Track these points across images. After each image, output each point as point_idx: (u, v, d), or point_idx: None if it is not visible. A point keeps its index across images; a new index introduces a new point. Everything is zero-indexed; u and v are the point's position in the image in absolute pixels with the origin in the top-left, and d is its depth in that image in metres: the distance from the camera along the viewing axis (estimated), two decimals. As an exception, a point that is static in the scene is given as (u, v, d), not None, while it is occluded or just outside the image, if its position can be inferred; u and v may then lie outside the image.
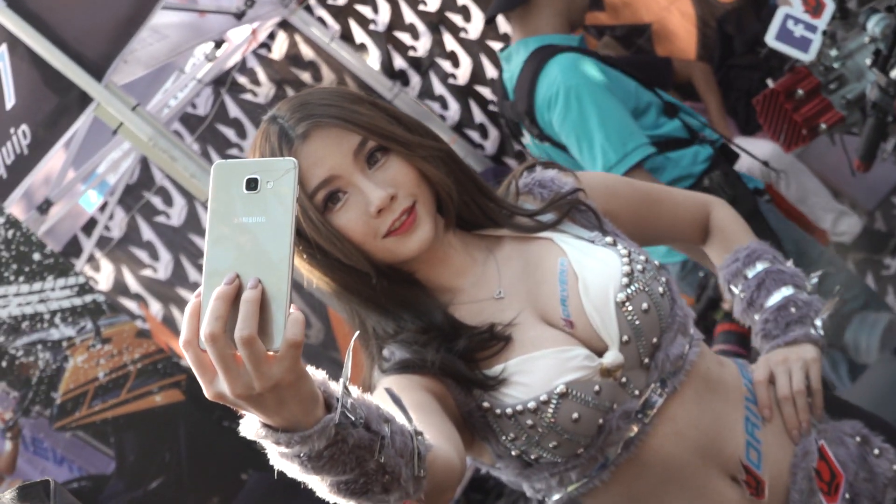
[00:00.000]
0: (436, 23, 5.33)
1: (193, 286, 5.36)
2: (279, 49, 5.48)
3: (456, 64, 5.36)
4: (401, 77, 5.43)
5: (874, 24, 2.66)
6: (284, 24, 5.45)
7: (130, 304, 5.44)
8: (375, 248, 1.57)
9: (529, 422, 1.54)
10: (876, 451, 1.74)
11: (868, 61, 2.62)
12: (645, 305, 1.60)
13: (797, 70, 2.84)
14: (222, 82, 5.47)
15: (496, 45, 5.23)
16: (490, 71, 5.30)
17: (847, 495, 1.69)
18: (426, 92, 5.43)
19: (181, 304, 5.39)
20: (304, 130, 1.53)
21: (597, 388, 1.55)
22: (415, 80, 5.44)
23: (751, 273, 1.84)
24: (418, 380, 1.52)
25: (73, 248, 5.46)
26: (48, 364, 3.74)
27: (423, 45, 5.38)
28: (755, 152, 3.70)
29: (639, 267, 1.63)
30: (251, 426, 1.12)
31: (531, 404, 1.53)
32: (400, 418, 1.23)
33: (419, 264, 1.65)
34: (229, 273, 1.06)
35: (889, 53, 2.50)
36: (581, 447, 1.57)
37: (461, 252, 1.68)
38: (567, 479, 1.62)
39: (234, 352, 1.05)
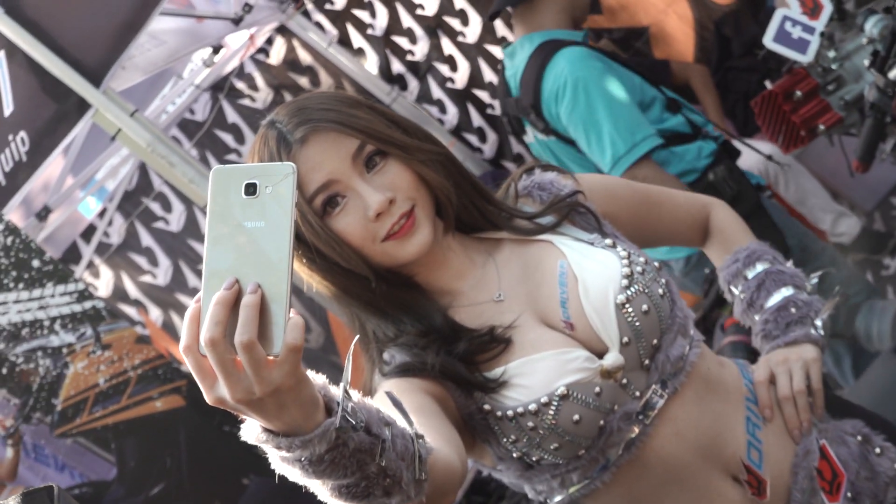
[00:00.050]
0: (433, 27, 5.33)
1: (193, 291, 5.36)
2: (277, 54, 5.48)
3: (454, 68, 5.36)
4: (399, 81, 5.43)
5: (872, 26, 2.66)
6: (282, 30, 5.45)
7: (130, 310, 5.44)
8: (374, 251, 1.57)
9: (530, 424, 1.54)
10: (877, 450, 1.74)
11: (866, 62, 2.62)
12: (645, 307, 1.60)
13: (795, 72, 2.84)
14: (220, 88, 5.48)
15: (494, 49, 5.23)
16: (488, 75, 5.30)
17: (849, 494, 1.69)
18: (424, 96, 5.43)
19: (181, 309, 5.39)
20: (302, 135, 1.53)
21: (597, 389, 1.55)
22: (413, 84, 5.44)
23: (751, 274, 1.84)
24: (419, 383, 1.52)
25: (72, 254, 5.46)
26: (48, 371, 3.73)
27: (420, 50, 5.38)
28: (753, 155, 3.71)
29: (638, 269, 1.63)
30: (252, 431, 1.12)
31: (532, 406, 1.53)
32: (401, 421, 1.23)
33: (418, 267, 1.65)
34: (229, 278, 1.06)
35: (887, 54, 2.51)
36: (582, 449, 1.57)
37: (460, 255, 1.68)
38: (568, 481, 1.62)
39: (234, 357, 1.05)
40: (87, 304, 3.81)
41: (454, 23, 5.30)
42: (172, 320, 5.43)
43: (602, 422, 1.56)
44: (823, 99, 2.82)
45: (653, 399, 1.61)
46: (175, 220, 5.45)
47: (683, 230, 1.94)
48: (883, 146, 2.75)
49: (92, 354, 3.78)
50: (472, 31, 5.28)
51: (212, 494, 3.93)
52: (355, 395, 1.16)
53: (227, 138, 5.47)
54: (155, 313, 5.47)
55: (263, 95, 5.46)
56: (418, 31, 5.36)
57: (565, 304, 1.61)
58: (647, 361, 1.61)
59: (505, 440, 1.58)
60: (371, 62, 5.45)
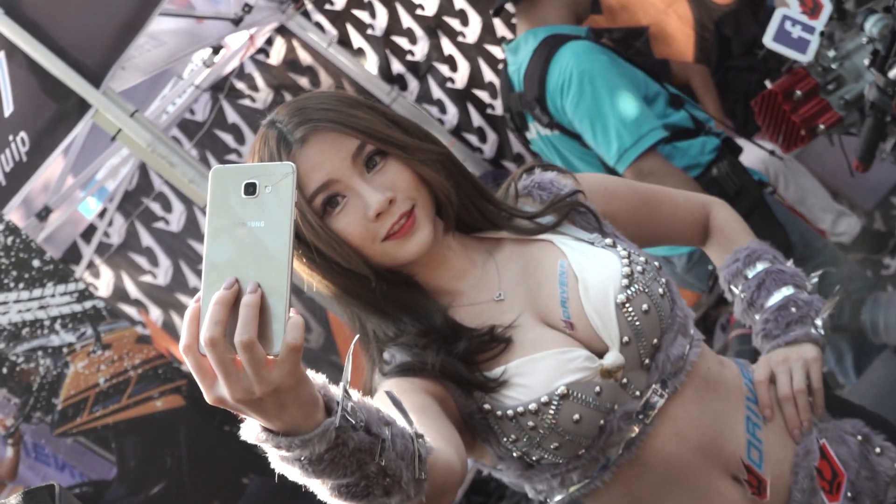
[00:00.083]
0: (433, 27, 5.33)
1: (193, 291, 5.36)
2: (277, 54, 5.48)
3: (454, 68, 5.36)
4: (399, 81, 5.43)
5: (872, 25, 2.66)
6: (282, 30, 5.45)
7: (130, 310, 5.44)
8: (374, 251, 1.57)
9: (530, 423, 1.54)
10: (877, 450, 1.74)
11: (866, 62, 2.62)
12: (645, 306, 1.60)
13: (795, 71, 2.84)
14: (220, 88, 5.47)
15: (494, 49, 5.23)
16: (488, 75, 5.30)
17: (849, 494, 1.69)
18: (424, 96, 5.43)
19: (181, 309, 5.39)
20: (302, 135, 1.54)
21: (597, 389, 1.55)
22: (413, 84, 5.44)
23: (751, 273, 1.84)
24: (419, 382, 1.52)
25: (72, 254, 5.46)
26: (49, 370, 3.74)
27: (420, 50, 5.39)
28: (754, 153, 3.71)
29: (638, 268, 1.63)
30: (252, 430, 1.12)
31: (532, 406, 1.53)
32: (401, 421, 1.23)
33: (419, 267, 1.65)
34: (228, 277, 1.06)
35: (887, 54, 2.50)
36: (582, 448, 1.57)
37: (461, 255, 1.68)
38: (569, 480, 1.62)
39: (233, 356, 1.05)
40: (88, 304, 3.81)
41: (454, 23, 5.30)
42: (173, 320, 5.43)
43: (602, 421, 1.56)
44: (823, 98, 2.82)
45: (653, 398, 1.61)
46: (175, 221, 5.45)
47: (683, 230, 1.94)
48: (883, 145, 2.75)
49: (92, 354, 3.78)
50: (472, 31, 5.28)
51: (212, 494, 3.93)
52: (355, 394, 1.16)
53: (228, 138, 5.47)
54: (155, 313, 5.47)
55: (263, 96, 5.46)
56: (418, 31, 5.36)
57: (565, 304, 1.61)
58: (647, 361, 1.61)
59: (505, 440, 1.58)
60: (371, 62, 5.45)
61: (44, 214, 4.72)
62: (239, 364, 1.05)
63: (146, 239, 5.47)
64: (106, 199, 5.58)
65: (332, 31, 5.44)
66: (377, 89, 5.33)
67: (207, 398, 1.08)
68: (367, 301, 1.63)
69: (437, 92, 5.41)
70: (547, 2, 3.34)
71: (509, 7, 3.47)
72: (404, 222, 1.56)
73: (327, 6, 5.42)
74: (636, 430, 1.60)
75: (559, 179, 1.76)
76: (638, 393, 1.61)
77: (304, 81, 5.44)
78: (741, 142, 3.53)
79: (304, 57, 5.45)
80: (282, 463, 1.13)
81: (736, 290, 1.86)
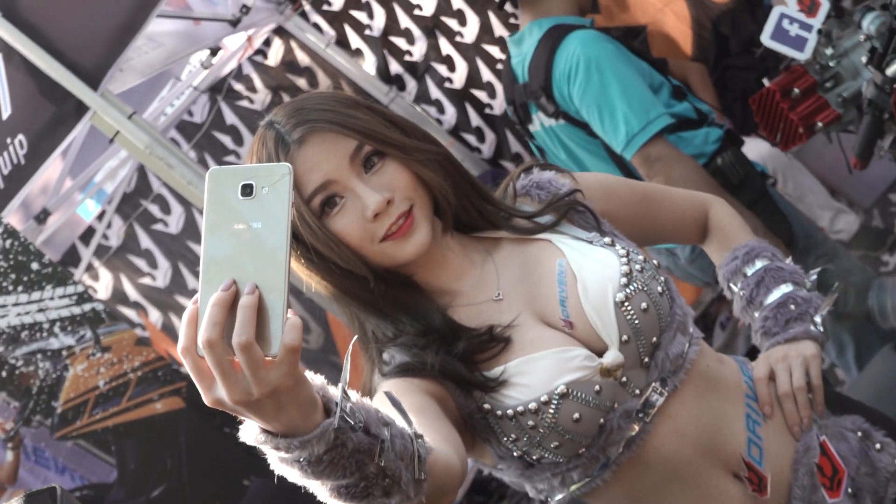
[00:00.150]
0: (431, 27, 5.33)
1: (192, 293, 5.34)
2: (275, 55, 5.48)
3: (452, 68, 5.36)
4: (397, 82, 5.43)
5: (869, 22, 2.66)
6: (280, 31, 5.45)
7: (129, 313, 5.44)
8: (373, 252, 1.57)
9: (530, 423, 1.54)
10: (877, 446, 1.74)
11: (864, 59, 2.62)
12: (644, 305, 1.60)
13: (793, 69, 2.84)
14: (218, 89, 5.48)
15: (492, 49, 5.23)
16: (486, 74, 5.30)
17: (849, 490, 1.69)
18: (422, 96, 5.43)
19: (180, 311, 5.39)
20: (300, 135, 1.53)
21: (597, 387, 1.55)
22: (411, 84, 5.44)
23: (750, 271, 1.84)
24: (418, 383, 1.52)
25: (71, 257, 5.46)
26: (48, 373, 3.74)
27: (418, 50, 5.39)
28: (754, 149, 3.71)
29: (637, 267, 1.63)
30: (250, 432, 1.12)
31: (532, 405, 1.53)
32: (400, 421, 1.23)
33: (417, 268, 1.65)
34: (226, 279, 1.06)
35: (884, 51, 2.50)
36: (582, 447, 1.57)
37: (459, 255, 1.68)
38: (569, 479, 1.62)
39: (232, 358, 1.05)
40: (87, 307, 3.81)
41: (452, 23, 5.30)
42: (172, 322, 5.43)
43: (602, 420, 1.56)
44: (821, 96, 2.82)
45: (652, 397, 1.61)
46: (174, 222, 5.45)
47: (682, 228, 1.94)
48: (881, 143, 2.75)
49: (92, 357, 3.78)
50: (470, 31, 5.28)
51: (212, 496, 3.93)
52: (354, 395, 1.16)
53: (226, 140, 5.47)
54: (154, 315, 5.47)
55: (261, 97, 5.46)
56: (416, 31, 5.36)
57: (564, 303, 1.61)
58: (646, 359, 1.61)
59: (505, 439, 1.58)
60: (369, 63, 5.45)
61: (42, 217, 4.72)
62: (237, 365, 1.05)
63: (145, 241, 5.47)
64: (104, 202, 5.58)
65: (330, 31, 5.44)
66: (375, 90, 5.34)
67: (206, 400, 1.08)
68: (366, 301, 1.63)
69: (435, 92, 5.41)
70: None
71: (508, 7, 3.47)
72: (402, 223, 1.56)
73: (325, 7, 5.42)
74: (636, 428, 1.60)
75: (557, 179, 1.76)
76: (637, 391, 1.60)
77: (302, 82, 5.44)
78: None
79: (302, 58, 5.45)
80: (281, 464, 1.13)
81: (735, 288, 1.86)
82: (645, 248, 2.16)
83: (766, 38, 2.76)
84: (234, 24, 4.97)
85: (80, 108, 3.61)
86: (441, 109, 5.42)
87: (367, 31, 5.41)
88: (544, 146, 3.54)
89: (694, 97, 3.41)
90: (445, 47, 5.33)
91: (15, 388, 3.72)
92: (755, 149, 3.99)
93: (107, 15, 3.70)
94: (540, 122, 3.43)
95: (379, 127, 1.57)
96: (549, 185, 1.75)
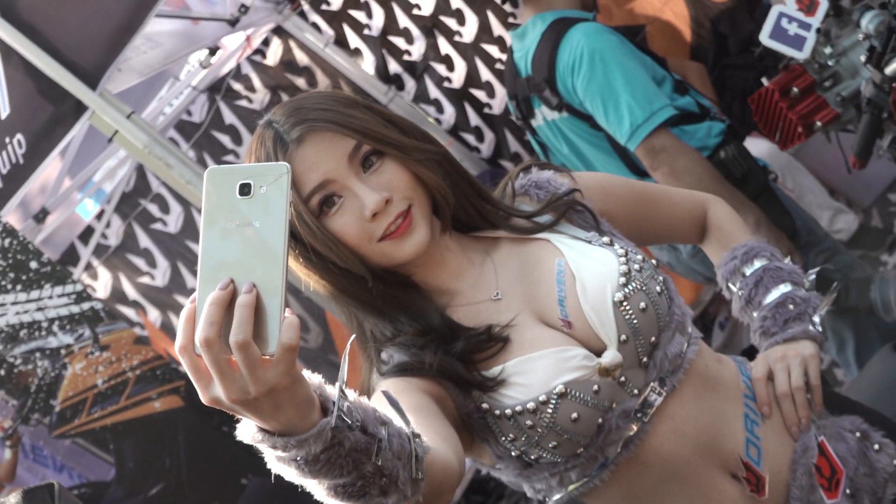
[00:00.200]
0: (430, 27, 5.33)
1: (191, 292, 5.31)
2: (274, 55, 5.48)
3: (451, 68, 5.36)
4: (396, 81, 5.43)
5: (868, 21, 2.66)
6: (278, 30, 5.45)
7: (128, 312, 5.43)
8: (371, 251, 1.57)
9: (529, 422, 1.53)
10: (876, 447, 1.74)
11: (862, 58, 2.62)
12: (643, 304, 1.60)
13: (792, 68, 2.84)
14: (217, 89, 5.47)
15: (491, 48, 5.23)
16: (485, 74, 5.30)
17: (848, 490, 1.68)
18: (421, 96, 5.43)
19: (179, 310, 5.37)
20: (298, 135, 1.53)
21: (595, 387, 1.55)
22: (410, 84, 5.44)
23: (749, 270, 1.84)
24: (417, 382, 1.52)
25: (70, 256, 5.45)
26: (47, 372, 3.73)
27: (417, 50, 5.38)
28: (752, 151, 3.71)
29: (636, 266, 1.63)
30: (248, 431, 1.12)
31: (530, 405, 1.53)
32: (398, 421, 1.22)
33: (416, 267, 1.64)
34: (224, 278, 1.06)
35: (883, 50, 2.51)
36: (581, 447, 1.57)
37: (458, 254, 1.68)
38: (567, 479, 1.62)
39: (229, 356, 1.05)
40: (86, 306, 3.81)
41: (450, 22, 5.29)
42: (171, 321, 5.43)
43: (600, 420, 1.56)
44: (820, 95, 2.82)
45: (651, 397, 1.61)
46: (173, 222, 5.44)
47: (681, 227, 1.94)
48: (880, 142, 2.75)
49: (90, 355, 3.78)
50: (469, 30, 5.27)
51: (211, 495, 3.93)
52: (351, 394, 1.16)
53: (225, 139, 5.47)
54: (153, 314, 5.47)
55: (260, 96, 5.46)
56: (415, 31, 5.36)
57: (563, 303, 1.61)
58: (645, 359, 1.61)
59: (503, 439, 1.58)
60: (368, 62, 5.45)
61: (41, 216, 4.72)
62: (234, 364, 1.05)
63: (144, 240, 5.47)
64: (103, 201, 5.57)
65: (329, 31, 5.44)
66: (374, 89, 5.33)
67: (203, 399, 1.08)
68: (365, 301, 1.62)
69: (434, 91, 5.41)
70: None
71: (506, 7, 3.47)
72: (401, 222, 1.56)
73: (324, 6, 5.42)
74: (634, 428, 1.60)
75: (556, 178, 1.76)
76: (636, 391, 1.60)
77: (300, 82, 5.44)
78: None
79: (301, 57, 5.45)
80: (278, 463, 1.13)
81: (734, 288, 1.86)
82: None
83: (764, 38, 2.76)
84: (233, 23, 4.97)
85: (79, 108, 3.61)
86: (440, 109, 5.42)
87: (365, 31, 5.41)
88: (547, 141, 3.54)
89: (696, 92, 3.42)
90: (444, 47, 5.33)
91: (13, 386, 3.72)
92: (754, 148, 3.98)
93: (105, 15, 3.70)
94: (543, 117, 3.44)
95: (378, 126, 1.57)
96: (548, 185, 1.75)
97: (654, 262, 1.69)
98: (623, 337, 1.59)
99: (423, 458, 1.21)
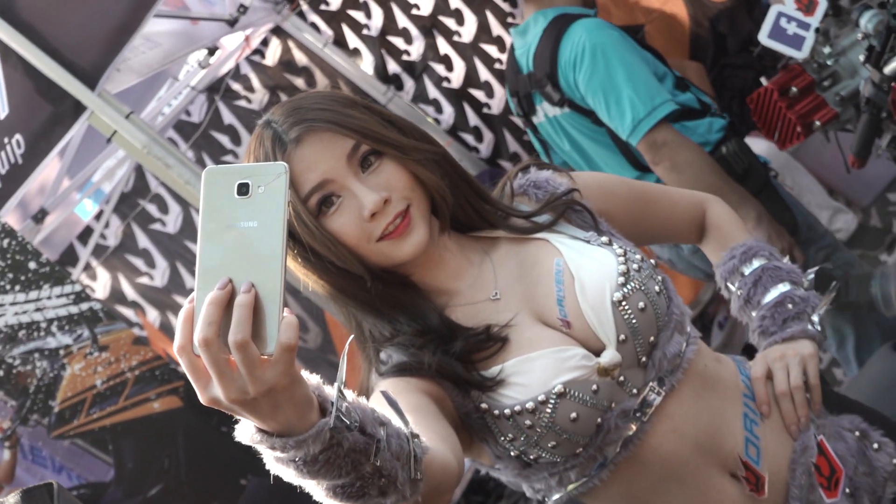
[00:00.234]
0: (429, 27, 5.33)
1: (190, 293, 5.28)
2: (273, 55, 5.48)
3: (450, 67, 5.36)
4: (394, 81, 5.43)
5: (867, 21, 2.66)
6: (277, 31, 5.44)
7: (127, 312, 5.43)
8: (370, 251, 1.57)
9: (528, 422, 1.53)
10: (875, 446, 1.74)
11: (861, 58, 2.62)
12: (641, 304, 1.60)
13: (791, 68, 2.84)
14: (216, 89, 5.47)
15: (490, 48, 5.23)
16: (484, 74, 5.30)
17: (847, 490, 1.68)
18: (420, 96, 5.43)
19: (178, 310, 5.33)
20: (297, 135, 1.53)
21: (594, 387, 1.55)
22: (408, 84, 5.44)
23: (747, 270, 1.84)
24: (415, 382, 1.52)
25: (69, 256, 5.45)
26: (45, 372, 3.73)
27: (416, 50, 5.38)
28: (754, 144, 3.72)
29: (635, 266, 1.63)
30: (246, 431, 1.12)
31: (529, 405, 1.53)
32: (396, 421, 1.22)
33: (415, 267, 1.64)
34: (222, 277, 1.06)
35: (882, 50, 2.51)
36: (580, 447, 1.57)
37: (457, 254, 1.68)
38: (566, 479, 1.62)
39: (228, 356, 1.05)
40: (84, 306, 3.81)
41: (449, 22, 5.29)
42: (170, 321, 5.43)
43: (599, 419, 1.56)
44: (819, 95, 2.82)
45: (650, 396, 1.61)
46: (172, 222, 5.44)
47: (680, 227, 1.94)
48: (879, 142, 2.75)
49: (89, 356, 3.78)
50: (468, 30, 5.27)
51: (210, 495, 3.93)
52: (350, 394, 1.16)
53: (224, 139, 5.47)
54: (152, 314, 5.46)
55: (259, 96, 5.46)
56: (414, 31, 5.36)
57: (562, 303, 1.61)
58: (643, 359, 1.61)
59: (502, 439, 1.57)
60: (367, 62, 5.45)
61: (40, 217, 4.72)
62: (233, 364, 1.05)
63: (143, 240, 5.47)
64: (102, 201, 5.57)
65: (328, 31, 5.44)
66: (373, 89, 5.33)
67: (202, 399, 1.08)
68: (363, 301, 1.62)
69: (433, 91, 5.40)
70: None
71: (505, 6, 3.48)
72: (399, 222, 1.56)
73: (322, 6, 5.42)
74: (633, 428, 1.60)
75: (555, 178, 1.76)
76: (635, 391, 1.60)
77: (299, 82, 5.44)
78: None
79: (300, 57, 5.45)
80: (276, 464, 1.13)
81: (732, 287, 1.86)
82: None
83: (763, 37, 2.76)
84: (232, 23, 4.97)
85: (78, 108, 3.61)
86: (439, 109, 5.42)
87: (364, 31, 5.41)
88: (548, 138, 3.54)
89: (696, 89, 3.43)
90: (443, 47, 5.33)
91: (12, 387, 3.71)
92: (753, 147, 3.98)
93: (104, 15, 3.70)
94: (544, 113, 3.44)
95: (376, 126, 1.57)
96: (547, 185, 1.75)
97: (652, 261, 1.69)
98: (622, 337, 1.59)
99: (421, 458, 1.21)
